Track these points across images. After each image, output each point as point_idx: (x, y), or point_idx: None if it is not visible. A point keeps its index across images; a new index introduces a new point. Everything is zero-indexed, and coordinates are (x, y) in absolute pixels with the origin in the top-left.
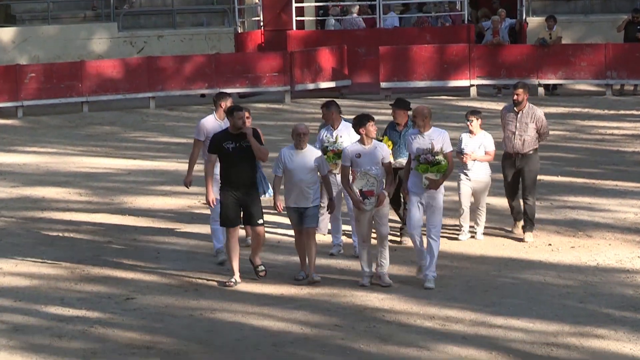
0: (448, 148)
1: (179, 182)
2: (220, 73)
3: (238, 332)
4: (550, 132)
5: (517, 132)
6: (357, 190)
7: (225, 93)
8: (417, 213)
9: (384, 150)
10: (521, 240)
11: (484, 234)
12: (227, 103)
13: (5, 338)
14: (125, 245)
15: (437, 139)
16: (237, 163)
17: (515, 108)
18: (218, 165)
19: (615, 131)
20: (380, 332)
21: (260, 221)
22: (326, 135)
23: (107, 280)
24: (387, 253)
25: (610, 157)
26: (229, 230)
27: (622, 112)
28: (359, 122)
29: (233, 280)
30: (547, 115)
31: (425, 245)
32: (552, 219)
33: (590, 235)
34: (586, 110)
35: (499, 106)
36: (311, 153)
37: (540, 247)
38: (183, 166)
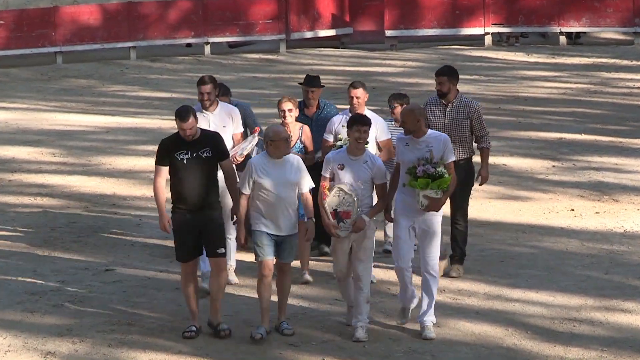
0: (450, 157)
1: None
2: (207, 20)
3: (230, 307)
4: (574, 85)
5: (445, 131)
6: (331, 211)
7: (206, 77)
8: (408, 241)
9: (377, 169)
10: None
11: (500, 198)
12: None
13: None
14: (103, 211)
15: (436, 145)
16: (194, 178)
17: (442, 100)
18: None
19: None
20: (385, 307)
21: (222, 250)
22: (343, 126)
23: (84, 250)
24: (363, 299)
25: (638, 113)
26: (184, 266)
27: None
28: (348, 124)
29: (193, 327)
30: (569, 66)
31: (410, 282)
32: (575, 181)
33: (617, 199)
34: (612, 61)
35: (516, 57)
36: (291, 163)
37: (561, 212)
38: (167, 123)
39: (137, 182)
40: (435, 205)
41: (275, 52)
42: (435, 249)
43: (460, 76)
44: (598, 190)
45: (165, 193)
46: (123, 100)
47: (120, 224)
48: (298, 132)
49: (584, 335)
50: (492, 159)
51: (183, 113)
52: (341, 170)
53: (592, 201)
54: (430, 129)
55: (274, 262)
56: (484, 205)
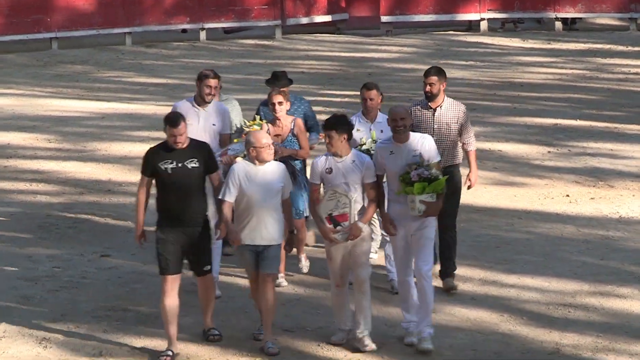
0: (437, 157)
1: (158, 127)
2: (203, 6)
3: (224, 292)
4: (570, 71)
5: (433, 137)
6: (326, 216)
7: (211, 71)
8: (407, 252)
9: (366, 167)
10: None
11: (496, 184)
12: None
13: None
14: (99, 197)
15: (422, 148)
16: (180, 190)
17: (430, 103)
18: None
19: None
20: (380, 293)
21: (208, 267)
22: (357, 130)
23: (79, 236)
24: (367, 303)
25: (634, 99)
26: (166, 279)
27: None
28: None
29: (169, 352)
30: (565, 52)
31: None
32: (570, 167)
33: (612, 185)
34: (608, 46)
35: (512, 43)
36: (275, 169)
37: (557, 198)
38: (162, 109)
39: (133, 168)
40: (434, 210)
41: (271, 38)
42: (430, 255)
43: (456, 62)
44: (593, 176)
45: (146, 205)
46: (118, 86)
47: (115, 210)
48: (290, 125)
49: (579, 321)
50: (487, 145)
51: (173, 118)
52: (330, 174)
53: (587, 187)
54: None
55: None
56: (479, 191)
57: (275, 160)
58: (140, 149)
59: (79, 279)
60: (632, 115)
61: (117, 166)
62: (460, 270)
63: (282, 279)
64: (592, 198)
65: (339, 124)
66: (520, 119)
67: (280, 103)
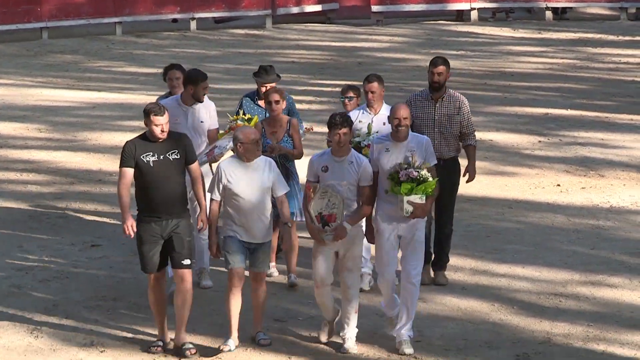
0: (433, 160)
1: None
2: None
3: (216, 282)
4: (560, 60)
5: (435, 128)
6: (315, 215)
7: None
8: (391, 252)
9: (363, 170)
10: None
11: (486, 174)
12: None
13: None
14: (89, 187)
15: (418, 148)
16: (161, 182)
17: (432, 94)
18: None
19: (630, 59)
20: (372, 283)
21: (187, 262)
22: (360, 121)
23: (70, 226)
24: (352, 309)
25: (624, 88)
26: (150, 276)
27: (637, 38)
28: (328, 125)
29: (160, 342)
30: (556, 42)
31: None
32: (561, 156)
33: (603, 174)
34: (598, 36)
35: (502, 32)
36: (263, 166)
37: (548, 187)
38: (153, 99)
39: None
40: (421, 211)
41: (261, 28)
42: (420, 259)
43: (446, 52)
44: (584, 166)
45: (129, 198)
46: (109, 76)
47: (106, 199)
48: (285, 125)
49: (570, 310)
50: (478, 134)
51: (157, 107)
52: (325, 172)
53: (578, 176)
54: (416, 126)
55: (245, 272)
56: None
57: (272, 157)
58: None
59: (70, 269)
60: (622, 104)
61: (108, 156)
62: (451, 260)
63: (273, 269)
64: (582, 187)
65: (347, 119)
66: (510, 109)
67: (277, 102)
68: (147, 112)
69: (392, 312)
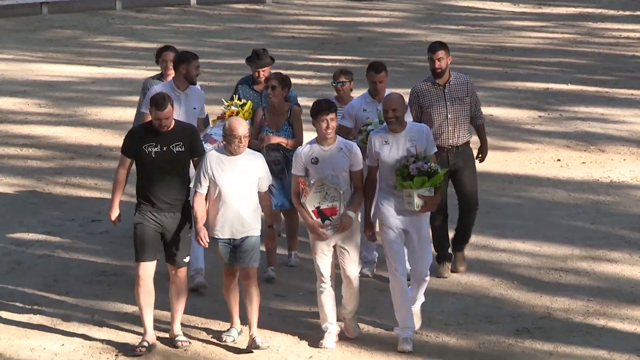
0: (433, 149)
1: None
2: None
3: (214, 259)
4: (561, 35)
5: (448, 115)
6: (313, 209)
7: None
8: (402, 249)
9: (354, 154)
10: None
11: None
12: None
13: None
14: (90, 162)
15: (418, 138)
16: (163, 175)
17: (437, 80)
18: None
19: (631, 34)
20: (374, 269)
21: (187, 259)
22: (364, 110)
23: (70, 201)
24: (355, 301)
25: (625, 63)
26: (140, 266)
27: (638, 13)
28: (312, 112)
29: (145, 343)
30: (556, 16)
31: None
32: (561, 131)
33: (603, 149)
34: (599, 11)
35: (503, 7)
36: (251, 160)
37: (548, 162)
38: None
39: (123, 133)
40: (432, 205)
41: (262, 3)
42: (429, 254)
43: (447, 27)
44: (584, 141)
45: (124, 185)
46: (109, 51)
47: (106, 174)
48: (286, 113)
49: (570, 285)
50: None
51: (160, 100)
52: (316, 164)
53: (578, 151)
54: (428, 115)
55: (235, 269)
56: None
57: (262, 147)
58: (130, 114)
59: (70, 244)
60: (623, 79)
61: (108, 131)
62: (451, 235)
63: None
64: (583, 162)
65: (333, 105)
66: (511, 84)
67: (273, 87)
68: (150, 103)
69: (406, 333)
